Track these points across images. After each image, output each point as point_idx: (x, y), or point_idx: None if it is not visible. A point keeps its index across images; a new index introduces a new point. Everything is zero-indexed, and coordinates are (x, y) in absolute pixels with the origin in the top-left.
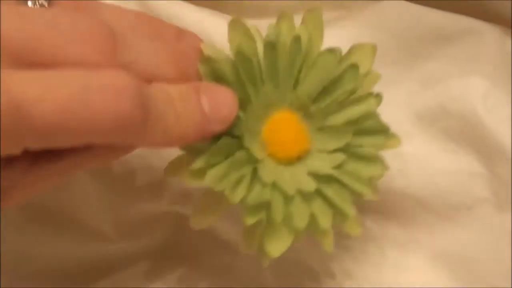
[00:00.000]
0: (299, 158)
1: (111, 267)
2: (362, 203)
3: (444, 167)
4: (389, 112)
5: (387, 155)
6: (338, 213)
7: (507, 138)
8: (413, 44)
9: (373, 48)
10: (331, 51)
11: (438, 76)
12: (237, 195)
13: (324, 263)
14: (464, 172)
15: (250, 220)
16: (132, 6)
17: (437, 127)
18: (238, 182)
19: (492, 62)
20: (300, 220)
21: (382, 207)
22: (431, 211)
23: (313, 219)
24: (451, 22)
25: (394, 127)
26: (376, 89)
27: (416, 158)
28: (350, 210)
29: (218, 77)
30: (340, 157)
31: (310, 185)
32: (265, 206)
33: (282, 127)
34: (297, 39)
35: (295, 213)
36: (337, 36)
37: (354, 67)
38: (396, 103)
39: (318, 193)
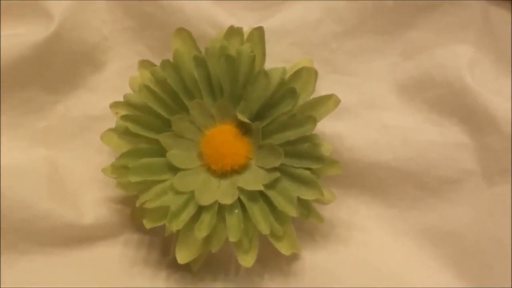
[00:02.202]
0: (237, 172)
1: None
2: (346, 179)
3: (430, 139)
4: (371, 85)
5: (372, 127)
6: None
7: (495, 105)
8: (394, 12)
9: (315, 73)
10: (267, 73)
11: (421, 45)
12: (141, 199)
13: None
14: (451, 144)
15: (148, 224)
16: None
17: (421, 98)
18: (149, 187)
19: (476, 30)
20: (200, 230)
21: (368, 183)
22: (418, 185)
23: (220, 231)
24: None
25: (377, 100)
26: (357, 60)
27: (401, 131)
28: (265, 228)
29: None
30: (273, 175)
31: (229, 198)
32: (166, 212)
33: (218, 140)
34: (228, 57)
35: (200, 223)
36: (315, 6)
37: (292, 91)
38: (378, 75)
39: (242, 207)
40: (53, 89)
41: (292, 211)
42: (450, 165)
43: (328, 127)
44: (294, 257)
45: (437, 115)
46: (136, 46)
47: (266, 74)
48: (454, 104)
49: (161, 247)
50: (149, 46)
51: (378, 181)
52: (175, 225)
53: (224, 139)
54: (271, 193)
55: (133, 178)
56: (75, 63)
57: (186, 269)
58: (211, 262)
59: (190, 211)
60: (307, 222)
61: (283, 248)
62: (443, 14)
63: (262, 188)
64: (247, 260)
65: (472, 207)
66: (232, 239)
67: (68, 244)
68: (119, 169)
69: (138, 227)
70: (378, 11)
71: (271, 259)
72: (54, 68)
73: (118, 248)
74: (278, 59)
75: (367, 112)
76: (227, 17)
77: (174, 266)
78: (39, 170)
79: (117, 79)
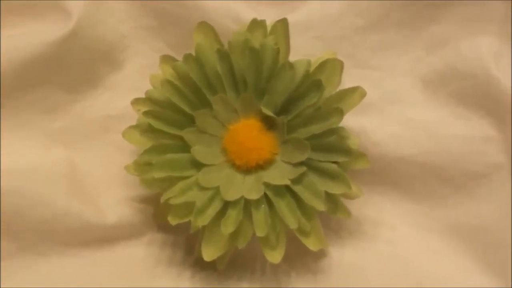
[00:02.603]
0: (262, 167)
1: None
2: (372, 176)
3: (456, 132)
4: (395, 80)
5: (397, 122)
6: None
7: None
8: (415, 6)
9: (341, 64)
10: (292, 65)
11: (445, 38)
12: (165, 196)
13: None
14: (477, 137)
15: (173, 221)
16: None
17: (446, 92)
18: (173, 184)
19: (499, 21)
20: (226, 226)
21: (392, 178)
22: (444, 181)
23: (247, 227)
24: None
25: (401, 94)
26: (380, 54)
27: (426, 125)
28: (293, 222)
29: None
30: (299, 170)
31: (255, 193)
32: (191, 208)
33: (242, 135)
34: (252, 50)
35: (226, 218)
36: (340, 3)
37: (318, 83)
38: (402, 70)
39: (268, 200)
40: (71, 88)
41: (320, 206)
42: (477, 159)
43: (352, 122)
44: (321, 255)
45: (463, 108)
46: (155, 44)
47: (291, 66)
48: (480, 96)
49: (185, 246)
50: (169, 44)
51: (404, 177)
52: (201, 221)
53: (248, 134)
54: (297, 188)
55: (157, 174)
56: (93, 61)
57: (211, 268)
58: (237, 261)
59: (216, 206)
60: (333, 220)
61: (311, 243)
62: (465, 7)
63: (288, 182)
64: (274, 256)
65: (500, 201)
66: (260, 234)
67: (89, 244)
68: (142, 166)
69: (162, 227)
70: (399, 5)
71: (298, 258)
72: (72, 67)
73: (141, 248)
74: (300, 53)
75: (392, 107)
76: (249, 12)
77: (199, 265)
78: (57, 170)
79: (136, 77)
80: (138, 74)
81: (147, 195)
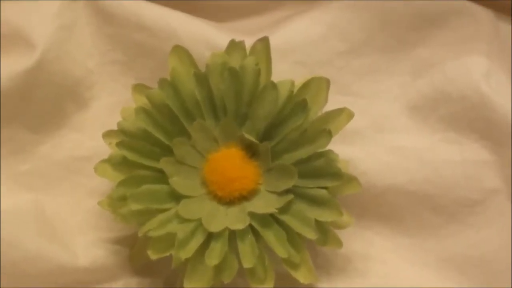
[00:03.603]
0: (245, 198)
1: None
2: (360, 208)
3: (448, 158)
4: (380, 107)
5: (386, 150)
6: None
7: None
8: (400, 29)
9: (327, 82)
10: (275, 85)
11: (431, 61)
12: (144, 229)
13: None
14: (471, 162)
15: (153, 255)
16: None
17: (436, 117)
18: (151, 217)
19: (487, 41)
20: (211, 258)
21: (381, 210)
22: (436, 210)
23: (232, 260)
24: (438, 5)
25: (387, 122)
26: (364, 80)
27: (416, 152)
28: (283, 251)
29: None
30: (286, 198)
31: (240, 224)
32: (172, 241)
33: (223, 165)
34: (232, 71)
35: (211, 250)
36: (317, 22)
37: (303, 103)
38: (387, 96)
39: (254, 231)
40: (36, 128)
41: (310, 234)
42: (472, 185)
43: (338, 151)
44: None
45: (454, 133)
46: (125, 80)
47: (274, 86)
48: (472, 119)
49: None
50: (140, 78)
51: (394, 208)
52: (184, 254)
53: (230, 163)
54: (285, 217)
55: (134, 206)
56: (59, 98)
57: None
58: None
59: (199, 239)
60: (320, 256)
61: (301, 276)
62: (451, 29)
63: (275, 211)
64: None
65: (498, 229)
66: (247, 265)
67: None
68: (116, 200)
69: (137, 270)
70: (383, 29)
71: None
72: (37, 104)
73: None
74: (281, 79)
75: (378, 135)
76: (225, 39)
77: None
78: (25, 213)
79: (104, 116)
80: (107, 113)
81: (122, 237)
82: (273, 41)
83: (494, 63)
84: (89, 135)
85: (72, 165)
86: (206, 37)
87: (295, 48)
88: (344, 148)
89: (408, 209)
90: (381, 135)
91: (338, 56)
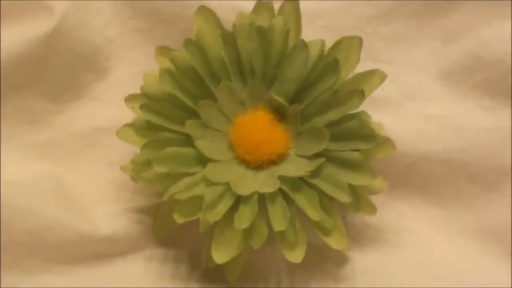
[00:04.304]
0: (274, 163)
1: None
2: (392, 179)
3: (484, 125)
4: (411, 74)
5: (418, 118)
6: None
7: None
8: None
9: (360, 41)
10: (305, 44)
11: (462, 27)
12: (169, 191)
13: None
14: (508, 129)
15: (179, 219)
16: None
17: (469, 84)
18: (176, 180)
19: None
20: (240, 221)
21: (416, 180)
22: (472, 179)
23: (262, 225)
24: None
25: (419, 90)
26: (393, 47)
27: (451, 120)
28: (315, 214)
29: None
30: (317, 161)
31: (269, 187)
32: (199, 205)
33: (251, 128)
34: (260, 31)
35: (240, 213)
36: None
37: (334, 63)
38: (418, 63)
39: (285, 196)
40: (54, 97)
41: (343, 197)
42: (508, 153)
43: None
44: (342, 261)
45: (489, 99)
46: (146, 48)
47: (304, 45)
48: (507, 84)
49: (190, 261)
50: None
51: (427, 177)
52: (212, 217)
53: (258, 126)
54: (317, 181)
55: (159, 169)
56: (77, 67)
57: (221, 281)
58: (249, 274)
59: (227, 202)
60: (350, 227)
61: (334, 242)
62: None
63: (306, 173)
64: (294, 255)
65: None
66: (277, 228)
67: (81, 261)
68: (141, 165)
69: (162, 241)
70: None
71: (317, 265)
72: (55, 71)
73: (140, 264)
74: None
75: (410, 102)
76: (251, 3)
77: (206, 279)
78: (43, 183)
79: (125, 85)
80: (127, 82)
81: (144, 206)
82: (301, 6)
83: None
84: (109, 105)
85: (90, 136)
86: (232, 2)
87: (322, 13)
88: (374, 116)
89: (441, 179)
90: (412, 103)
91: (366, 21)
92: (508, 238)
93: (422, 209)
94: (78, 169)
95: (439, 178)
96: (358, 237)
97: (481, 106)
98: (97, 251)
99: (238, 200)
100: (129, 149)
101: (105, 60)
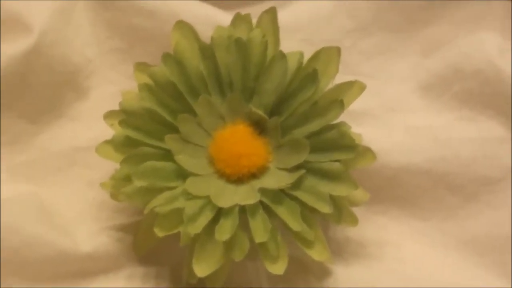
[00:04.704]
0: (255, 176)
1: None
2: (373, 191)
3: (464, 136)
4: (391, 87)
5: (399, 130)
6: (287, 228)
7: None
8: (410, 8)
9: (338, 51)
10: (284, 56)
11: (442, 39)
12: (150, 205)
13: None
14: (488, 139)
15: (160, 233)
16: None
17: (449, 95)
18: (156, 194)
19: (500, 19)
20: (221, 233)
21: (395, 193)
22: (453, 190)
23: (243, 237)
24: None
25: (399, 102)
26: (373, 60)
27: (430, 131)
28: (296, 225)
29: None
30: (297, 174)
31: (250, 199)
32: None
33: (230, 142)
34: (239, 43)
35: (221, 226)
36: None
37: (313, 74)
38: (398, 76)
39: (266, 209)
40: (33, 118)
41: (325, 208)
42: (490, 163)
43: None
44: (324, 273)
45: (469, 110)
46: (125, 68)
47: (283, 55)
48: (487, 94)
49: (171, 277)
50: None
51: (409, 189)
52: (193, 229)
53: (237, 139)
54: (297, 193)
55: (138, 183)
56: (56, 86)
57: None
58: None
59: (208, 215)
60: (332, 241)
61: (316, 253)
62: (461, 7)
63: (287, 185)
64: (276, 268)
65: None
66: (259, 239)
67: (63, 278)
68: (120, 181)
69: (143, 258)
70: (392, 7)
71: (299, 277)
72: (34, 91)
73: (121, 282)
74: None
75: (390, 114)
76: (228, 17)
77: None
78: (24, 203)
79: (104, 106)
80: (106, 102)
81: (124, 225)
82: (280, 19)
83: (507, 41)
84: (89, 125)
85: (70, 156)
86: (209, 17)
87: (302, 26)
88: (355, 129)
89: (423, 190)
90: (393, 115)
91: (346, 35)
92: (490, 249)
93: (404, 221)
94: (58, 188)
95: (420, 190)
96: (340, 251)
97: (462, 117)
98: (79, 269)
99: (219, 213)
100: (110, 168)
101: (84, 79)
